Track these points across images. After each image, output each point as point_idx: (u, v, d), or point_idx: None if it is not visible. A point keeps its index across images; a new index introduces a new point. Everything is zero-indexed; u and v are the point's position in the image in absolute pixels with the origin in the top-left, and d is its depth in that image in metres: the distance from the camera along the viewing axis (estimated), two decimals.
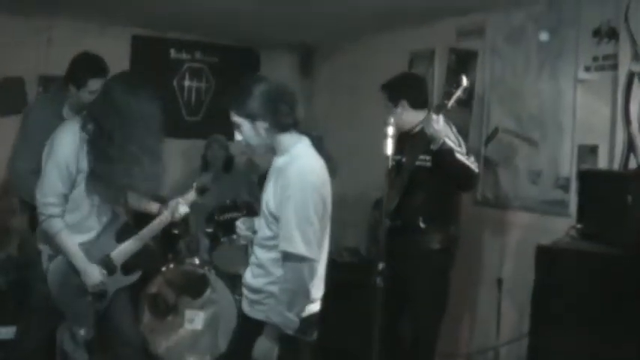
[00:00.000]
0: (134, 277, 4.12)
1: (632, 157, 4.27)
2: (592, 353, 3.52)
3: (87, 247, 3.85)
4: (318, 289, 3.33)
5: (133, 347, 4.17)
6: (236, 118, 3.27)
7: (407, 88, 4.74)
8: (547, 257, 3.80)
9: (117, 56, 6.34)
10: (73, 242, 3.79)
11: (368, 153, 4.99)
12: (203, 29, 7.06)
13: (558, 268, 3.75)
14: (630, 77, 4.28)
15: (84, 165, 3.75)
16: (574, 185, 4.55)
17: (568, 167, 4.68)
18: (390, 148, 3.70)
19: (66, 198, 3.77)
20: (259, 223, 3.37)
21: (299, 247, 3.08)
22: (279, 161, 3.29)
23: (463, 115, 5.50)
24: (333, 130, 6.88)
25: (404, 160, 4.50)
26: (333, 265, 3.62)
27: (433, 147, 4.28)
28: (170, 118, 6.95)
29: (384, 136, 3.72)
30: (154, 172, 3.88)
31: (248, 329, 3.35)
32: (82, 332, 3.87)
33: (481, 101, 5.38)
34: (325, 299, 3.47)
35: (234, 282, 5.39)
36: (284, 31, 6.87)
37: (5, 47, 6.22)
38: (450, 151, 4.31)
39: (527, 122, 5.01)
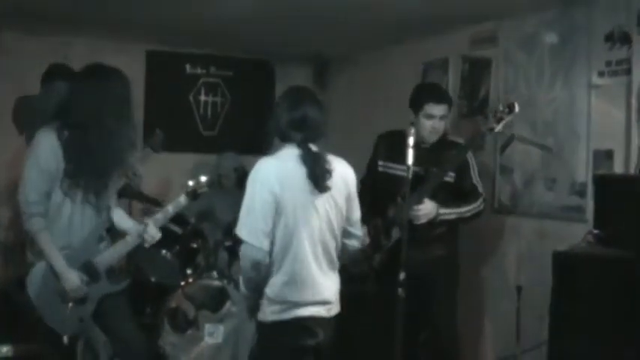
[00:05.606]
0: (121, 285, 4.06)
1: None
2: (612, 359, 3.50)
3: (69, 253, 3.84)
4: (294, 290, 3.43)
5: (134, 349, 4.11)
6: None
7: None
8: (564, 263, 3.78)
9: (133, 73, 6.38)
10: (52, 244, 3.78)
11: None
12: (217, 43, 7.11)
13: (576, 274, 3.72)
14: None
15: (62, 168, 3.77)
16: (590, 191, 4.54)
17: (584, 173, 4.68)
18: (411, 158, 3.71)
19: (48, 196, 3.77)
20: None
21: (242, 232, 3.37)
22: None
23: (478, 123, 5.51)
24: (348, 142, 6.92)
25: (422, 172, 4.44)
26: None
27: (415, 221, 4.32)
28: (187, 133, 7.11)
29: (406, 146, 3.74)
30: (127, 157, 4.03)
31: None
32: (64, 339, 3.85)
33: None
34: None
35: None
36: (299, 43, 6.91)
37: (22, 66, 6.28)
38: (454, 221, 4.51)
39: (541, 129, 5.00)
